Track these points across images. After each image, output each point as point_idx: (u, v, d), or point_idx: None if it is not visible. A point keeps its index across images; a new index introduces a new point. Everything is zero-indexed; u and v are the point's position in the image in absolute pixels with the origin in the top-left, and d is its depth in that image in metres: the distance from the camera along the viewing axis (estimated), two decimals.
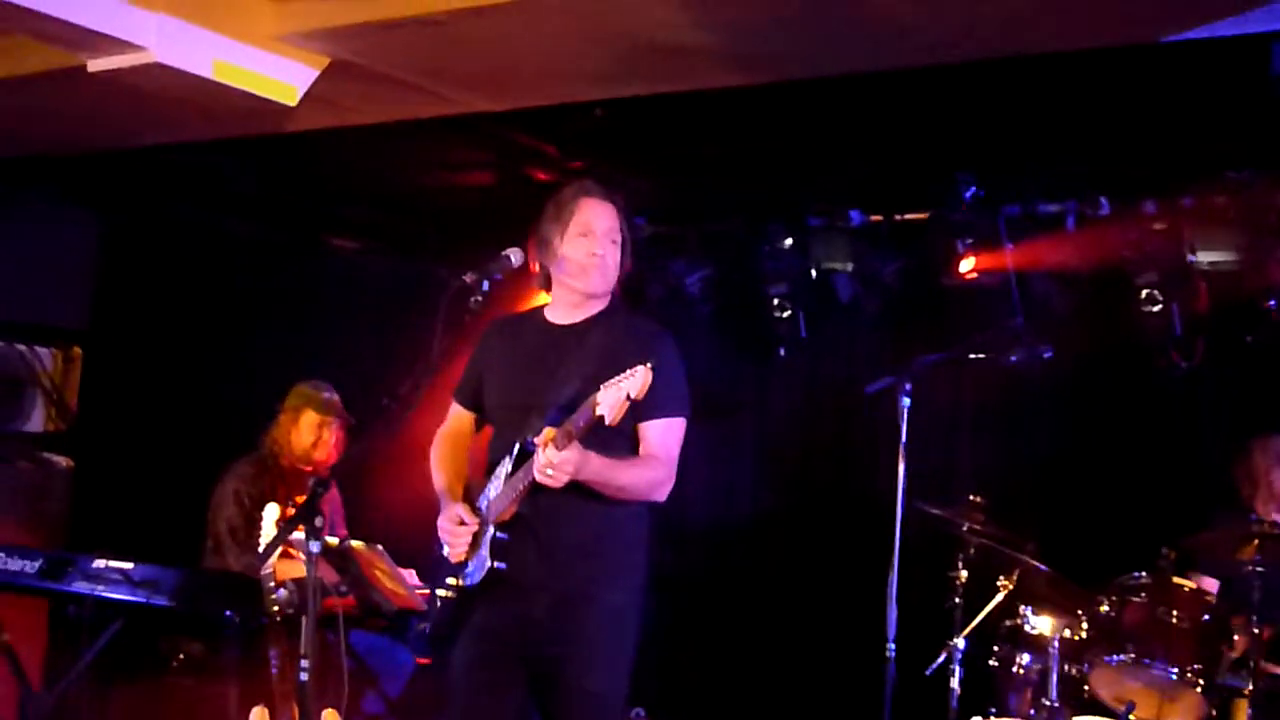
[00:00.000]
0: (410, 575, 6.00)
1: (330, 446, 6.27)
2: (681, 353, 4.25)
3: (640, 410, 3.99)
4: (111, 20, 5.20)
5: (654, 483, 4.14)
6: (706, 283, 7.85)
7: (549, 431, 3.88)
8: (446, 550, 4.24)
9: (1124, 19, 4.88)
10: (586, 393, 3.88)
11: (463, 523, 4.16)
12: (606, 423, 3.78)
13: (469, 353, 4.45)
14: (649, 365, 3.76)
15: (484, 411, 4.40)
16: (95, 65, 5.50)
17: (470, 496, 4.28)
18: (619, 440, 4.07)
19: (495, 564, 4.04)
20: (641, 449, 4.13)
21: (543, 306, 4.36)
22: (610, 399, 3.76)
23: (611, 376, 3.81)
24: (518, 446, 4.09)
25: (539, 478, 3.90)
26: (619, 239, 4.24)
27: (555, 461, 3.85)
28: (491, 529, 4.08)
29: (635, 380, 3.74)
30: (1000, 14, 4.87)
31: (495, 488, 4.15)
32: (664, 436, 4.12)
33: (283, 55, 5.61)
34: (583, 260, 4.18)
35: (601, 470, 3.98)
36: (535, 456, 3.91)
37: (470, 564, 4.15)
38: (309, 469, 6.24)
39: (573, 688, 4.09)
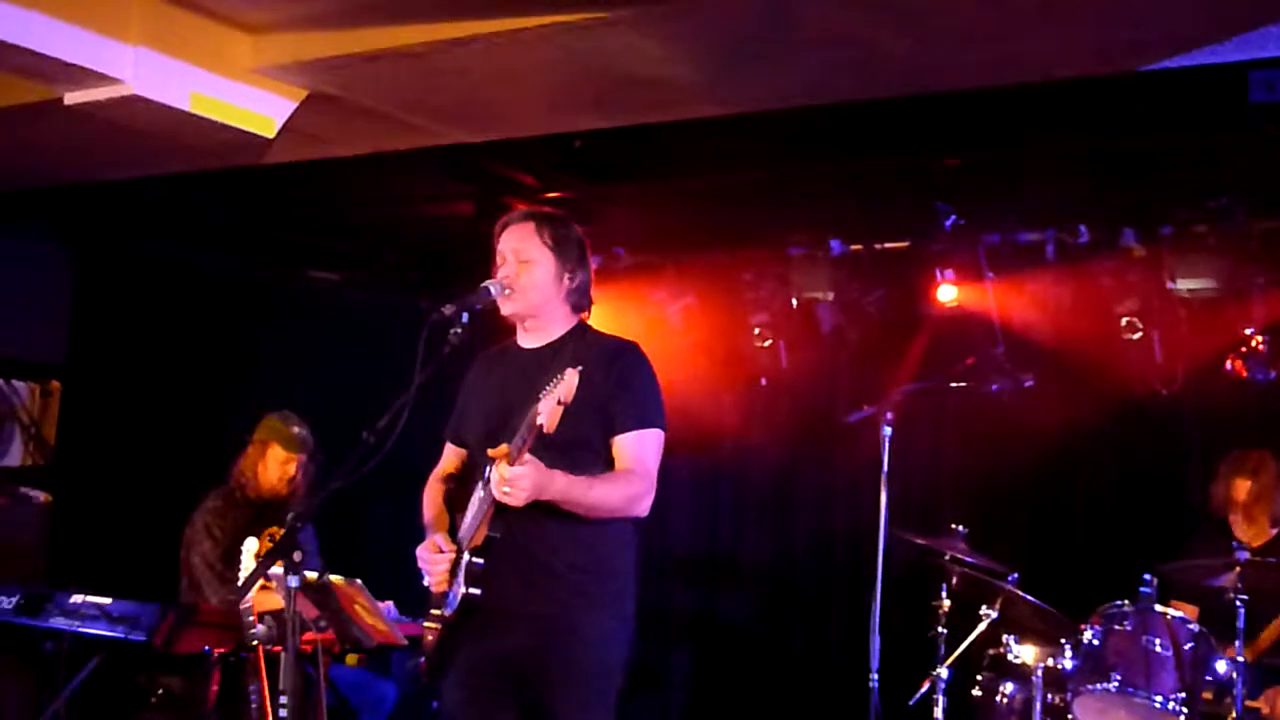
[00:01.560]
0: (390, 609, 5.96)
1: (296, 481, 6.23)
2: (652, 367, 4.16)
3: (611, 424, 3.97)
4: (88, 53, 5.17)
5: (630, 497, 4.02)
6: (687, 312, 7.84)
7: (501, 448, 3.79)
8: (427, 580, 4.19)
9: (1103, 48, 4.90)
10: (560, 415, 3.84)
11: (439, 550, 4.09)
12: (545, 430, 3.69)
13: (455, 387, 4.43)
14: (578, 369, 3.69)
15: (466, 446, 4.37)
16: (72, 98, 5.48)
17: (454, 528, 4.24)
18: (591, 457, 4.02)
19: (468, 590, 3.93)
20: (616, 464, 4.04)
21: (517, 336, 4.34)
22: (546, 407, 3.68)
23: (581, 398, 3.74)
24: (487, 470, 4.04)
25: (497, 495, 3.82)
26: (533, 256, 4.16)
27: (509, 477, 3.77)
28: (467, 555, 4.00)
29: (564, 384, 3.67)
30: (979, 44, 4.88)
31: (471, 514, 4.10)
32: (637, 449, 4.03)
33: (260, 88, 5.59)
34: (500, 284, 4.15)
35: (568, 489, 3.89)
36: (490, 475, 3.84)
37: (450, 593, 4.08)
38: (276, 501, 6.20)
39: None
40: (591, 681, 4.03)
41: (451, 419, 4.40)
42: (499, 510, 3.90)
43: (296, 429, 6.28)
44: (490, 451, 3.82)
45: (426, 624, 4.17)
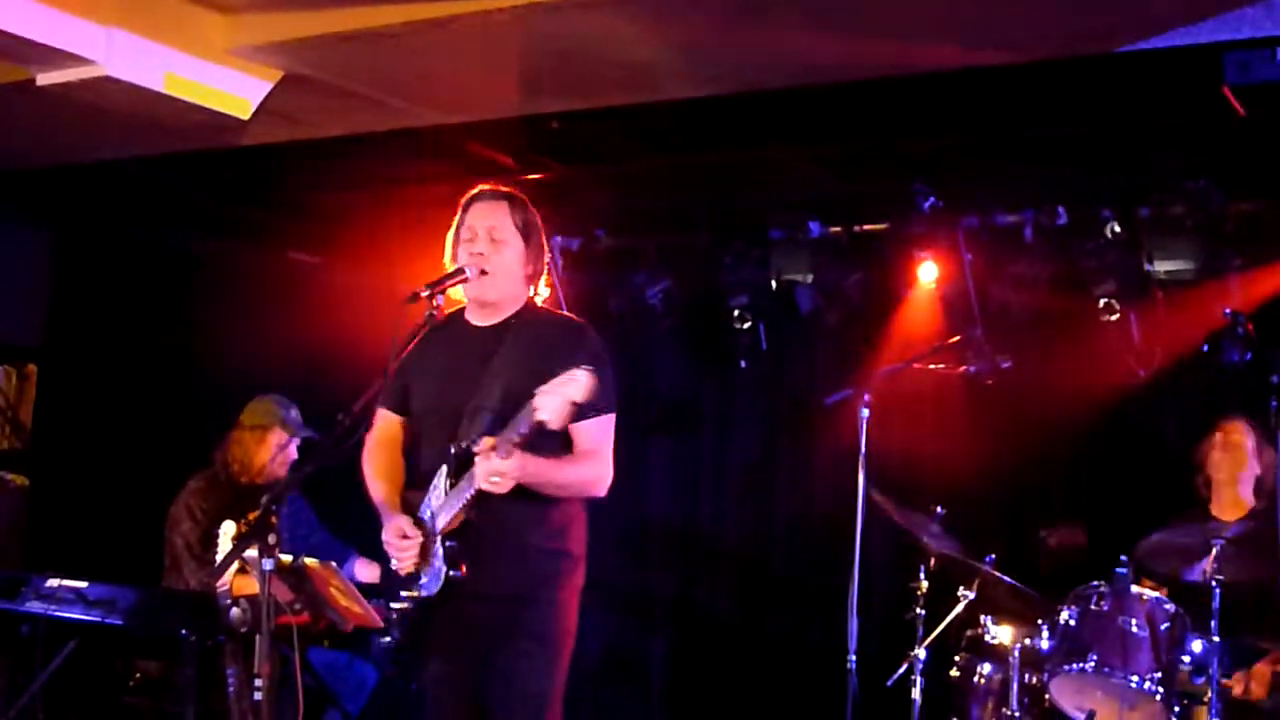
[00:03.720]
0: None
1: (288, 462, 6.23)
2: (603, 345, 4.27)
3: (574, 411, 4.01)
4: (61, 33, 5.16)
5: (592, 478, 4.20)
6: (667, 295, 7.83)
7: (488, 441, 3.92)
8: (395, 565, 4.23)
9: (1079, 30, 4.90)
10: (516, 394, 3.96)
11: (406, 536, 4.17)
12: (551, 427, 3.83)
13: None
14: (588, 369, 3.79)
15: (410, 417, 4.40)
16: (44, 79, 5.47)
17: (410, 507, 4.27)
18: (550, 440, 4.08)
19: (452, 572, 4.06)
20: (575, 447, 4.16)
21: (463, 309, 4.36)
22: (551, 404, 3.78)
23: (540, 375, 3.86)
24: (454, 453, 4.11)
25: (485, 486, 3.93)
26: (506, 237, 4.24)
27: (501, 469, 3.90)
28: (440, 538, 4.10)
29: (578, 385, 3.77)
30: (957, 25, 4.88)
31: (436, 497, 4.17)
32: (597, 434, 4.16)
33: (235, 68, 5.58)
34: (466, 263, 4.19)
35: (540, 471, 4.03)
36: (477, 465, 3.93)
37: (424, 575, 4.16)
38: (265, 485, 6.19)
39: (513, 685, 4.13)
40: (551, 645, 4.18)
41: (390, 389, 4.31)
42: (479, 497, 3.98)
43: (294, 412, 6.29)
44: (478, 447, 3.93)
45: (396, 605, 4.21)
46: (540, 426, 3.82)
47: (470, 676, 4.19)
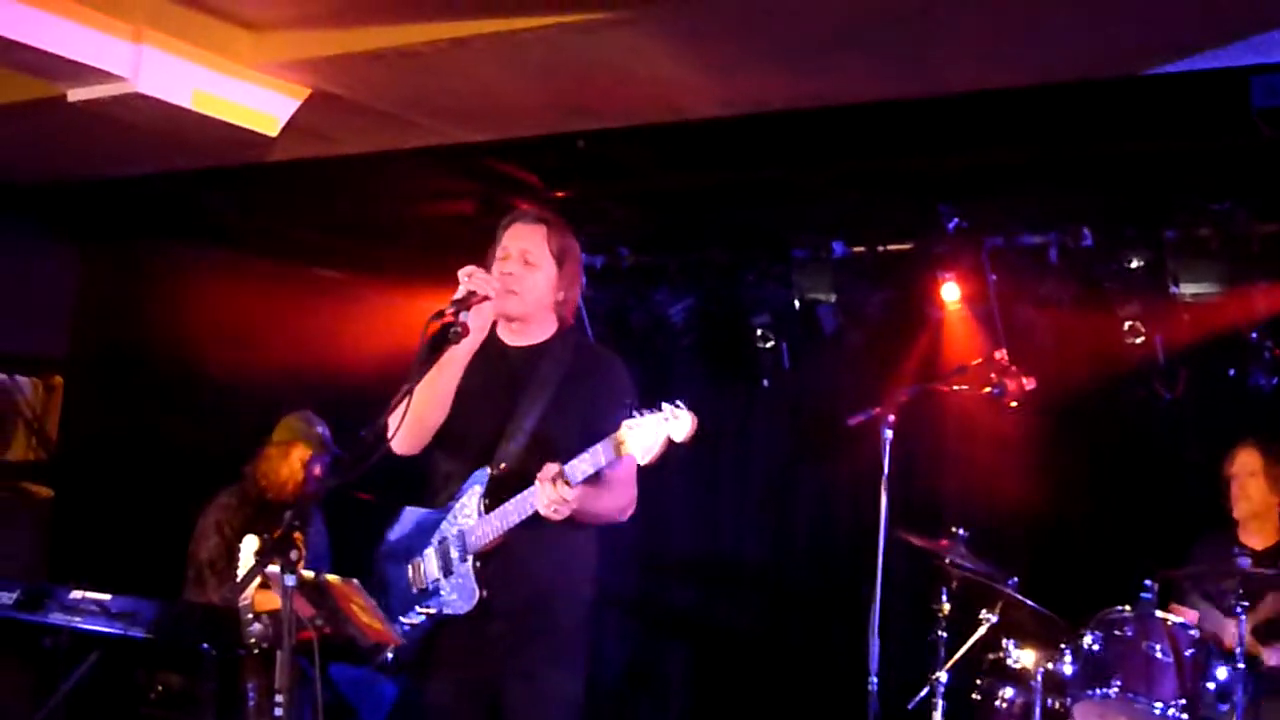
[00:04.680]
0: None
1: (313, 479, 6.24)
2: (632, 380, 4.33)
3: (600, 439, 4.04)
4: (91, 50, 5.20)
5: (623, 508, 4.26)
6: (689, 313, 7.84)
7: (553, 468, 3.94)
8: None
9: (1107, 52, 4.89)
10: (550, 425, 4.08)
11: None
12: (640, 463, 3.87)
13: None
14: (687, 409, 3.83)
15: None
16: (75, 95, 5.50)
17: (423, 526, 4.28)
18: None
19: (484, 592, 4.11)
20: (607, 476, 4.12)
21: (495, 324, 4.33)
22: (644, 440, 3.81)
23: (571, 403, 3.99)
24: (494, 475, 4.13)
25: (545, 513, 3.97)
26: (538, 261, 4.24)
27: (566, 498, 3.93)
28: (471, 558, 4.13)
29: (681, 425, 3.81)
30: (982, 47, 4.88)
31: (465, 516, 4.18)
32: (628, 464, 4.14)
33: (263, 86, 5.61)
34: (495, 281, 4.17)
35: (586, 501, 4.04)
36: (537, 492, 3.96)
37: (449, 591, 4.18)
38: (292, 502, 6.20)
39: (536, 685, 4.17)
40: (569, 652, 4.25)
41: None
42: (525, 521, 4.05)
43: (320, 429, 6.30)
44: (543, 475, 3.95)
45: (404, 619, 4.23)
46: (634, 464, 3.91)
47: (488, 688, 4.20)
